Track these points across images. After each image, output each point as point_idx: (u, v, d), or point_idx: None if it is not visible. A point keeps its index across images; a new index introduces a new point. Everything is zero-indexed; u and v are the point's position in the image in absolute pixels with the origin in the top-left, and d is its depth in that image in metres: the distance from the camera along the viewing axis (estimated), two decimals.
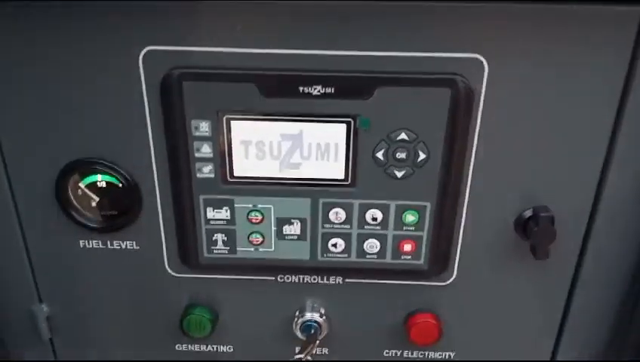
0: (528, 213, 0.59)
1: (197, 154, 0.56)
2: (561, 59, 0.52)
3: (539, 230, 0.57)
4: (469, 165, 0.57)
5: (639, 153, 0.56)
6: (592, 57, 0.52)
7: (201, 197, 0.58)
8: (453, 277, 0.64)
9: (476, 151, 0.56)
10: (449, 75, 0.52)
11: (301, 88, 0.53)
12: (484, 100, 0.54)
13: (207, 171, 0.57)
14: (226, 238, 0.60)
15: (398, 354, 0.69)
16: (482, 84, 0.53)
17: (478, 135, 0.55)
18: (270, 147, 0.56)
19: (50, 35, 0.52)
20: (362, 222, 0.59)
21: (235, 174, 0.57)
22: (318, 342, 0.65)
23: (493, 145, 0.56)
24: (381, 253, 0.61)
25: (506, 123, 0.55)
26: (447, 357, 0.69)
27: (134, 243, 0.63)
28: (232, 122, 0.55)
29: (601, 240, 0.60)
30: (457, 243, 0.61)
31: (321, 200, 0.58)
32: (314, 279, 0.64)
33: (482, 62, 0.52)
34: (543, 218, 0.57)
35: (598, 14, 0.50)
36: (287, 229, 0.60)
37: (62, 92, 0.55)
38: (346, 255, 0.61)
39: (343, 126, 0.55)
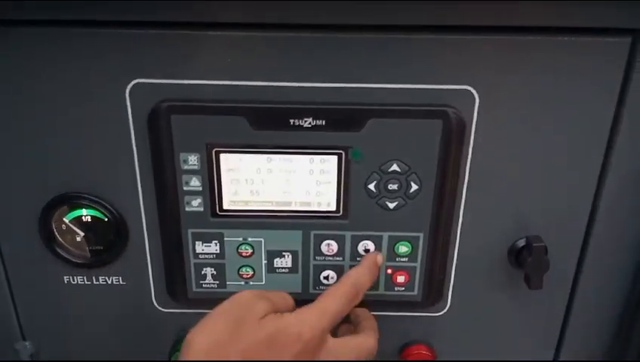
0: (521, 243, 0.59)
1: (185, 188, 0.55)
2: (550, 91, 0.52)
3: (532, 260, 0.57)
4: (462, 195, 0.57)
5: (630, 183, 0.56)
6: (581, 88, 0.52)
7: (190, 231, 0.57)
8: (447, 307, 0.63)
9: (468, 182, 0.56)
10: (440, 106, 0.52)
11: (292, 120, 0.52)
12: (475, 131, 0.54)
13: (195, 205, 0.56)
14: (215, 272, 0.59)
15: None
16: (473, 115, 0.53)
17: (470, 165, 0.55)
18: (261, 180, 0.55)
19: (34, 66, 0.51)
20: (355, 253, 0.58)
21: (225, 207, 0.56)
22: None
23: (485, 176, 0.56)
24: (374, 285, 0.60)
25: (498, 153, 0.55)
26: None
27: (120, 278, 0.61)
28: (222, 155, 0.54)
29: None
30: (451, 274, 0.61)
31: (312, 233, 0.57)
32: None
33: (473, 94, 0.52)
34: (536, 248, 0.56)
35: (588, 46, 0.50)
36: (278, 262, 0.59)
37: (47, 124, 0.53)
38: None
39: (335, 158, 0.54)
